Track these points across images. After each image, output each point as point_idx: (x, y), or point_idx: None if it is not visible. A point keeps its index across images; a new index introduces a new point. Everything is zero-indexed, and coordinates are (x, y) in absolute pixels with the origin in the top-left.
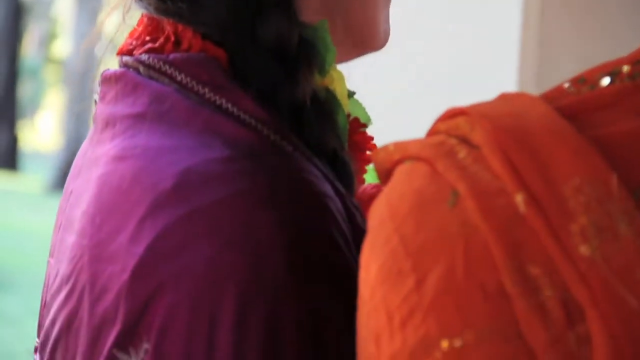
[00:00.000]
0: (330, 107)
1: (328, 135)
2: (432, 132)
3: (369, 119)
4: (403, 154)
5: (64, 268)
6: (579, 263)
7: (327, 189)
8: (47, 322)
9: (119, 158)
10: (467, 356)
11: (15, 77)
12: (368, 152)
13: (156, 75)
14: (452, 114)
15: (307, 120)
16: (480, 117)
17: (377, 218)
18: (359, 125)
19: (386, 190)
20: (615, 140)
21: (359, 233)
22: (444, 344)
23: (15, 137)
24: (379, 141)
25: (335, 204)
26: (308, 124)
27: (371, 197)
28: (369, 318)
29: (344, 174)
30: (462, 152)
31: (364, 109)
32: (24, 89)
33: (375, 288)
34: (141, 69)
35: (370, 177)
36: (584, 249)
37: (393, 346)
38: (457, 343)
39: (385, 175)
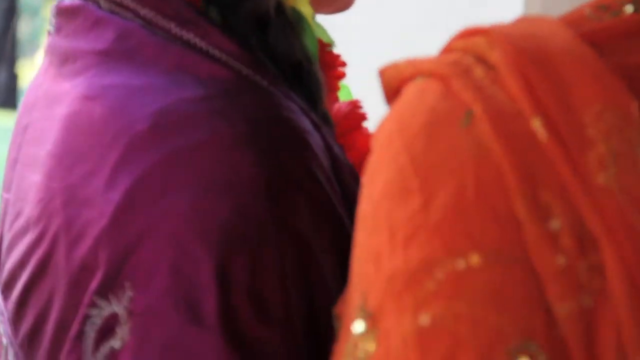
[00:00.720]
0: (296, 19)
1: (294, 46)
2: (447, 50)
3: (332, 41)
4: (415, 70)
5: (30, 209)
6: (595, 192)
7: (306, 123)
8: (13, 262)
9: (87, 98)
10: (471, 279)
11: (14, 16)
12: (339, 69)
13: (118, 10)
14: (470, 33)
15: (271, 31)
16: (501, 37)
17: (386, 134)
18: (324, 45)
19: (396, 106)
20: (638, 70)
21: (337, 164)
22: (448, 265)
23: (15, 75)
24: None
25: (315, 139)
26: (273, 35)
27: (346, 116)
28: (369, 236)
29: (313, 85)
30: (479, 72)
31: (325, 30)
32: (24, 28)
33: (379, 204)
34: (102, 2)
35: (343, 94)
36: (600, 178)
37: (393, 265)
38: (461, 265)
39: (392, 93)
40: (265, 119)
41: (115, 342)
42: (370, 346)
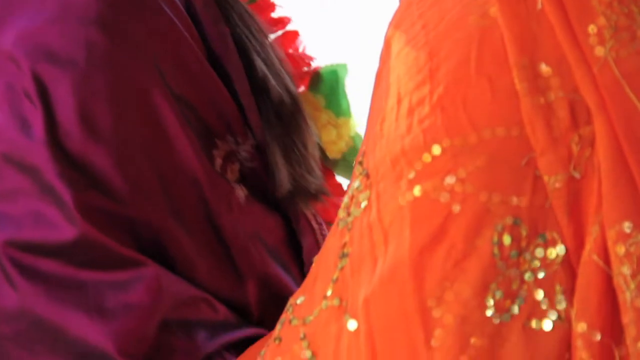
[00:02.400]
0: None
1: None
2: None
3: None
4: None
5: None
6: (592, 64)
7: None
8: None
9: None
10: (466, 156)
11: None
12: None
13: None
14: None
15: None
16: None
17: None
18: None
19: None
20: None
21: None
22: (446, 142)
23: None
24: None
25: None
26: None
27: None
28: (380, 97)
29: None
30: None
31: None
32: None
33: (394, 67)
34: None
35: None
36: (598, 50)
37: (396, 133)
38: (458, 142)
39: None
40: None
41: None
42: (363, 201)
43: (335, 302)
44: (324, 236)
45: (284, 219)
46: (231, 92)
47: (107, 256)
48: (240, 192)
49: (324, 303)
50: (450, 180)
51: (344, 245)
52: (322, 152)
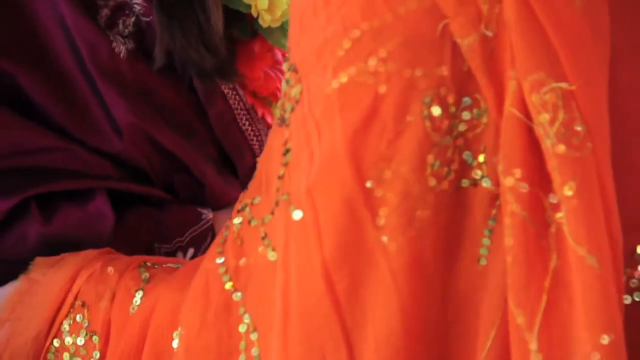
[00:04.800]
0: None
1: None
2: None
3: None
4: None
5: None
6: None
7: None
8: None
9: None
10: (384, 36)
11: None
12: None
13: None
14: None
15: None
16: None
17: None
18: None
19: None
20: None
21: None
22: (364, 25)
23: None
24: None
25: None
26: None
27: None
28: None
29: None
30: None
31: None
32: None
33: None
34: None
35: None
36: None
37: (314, 25)
38: (376, 24)
39: None
40: None
41: None
42: (296, 96)
43: (284, 197)
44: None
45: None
46: None
47: None
48: (122, 46)
49: (275, 201)
50: (372, 62)
51: (286, 142)
52: (255, 19)
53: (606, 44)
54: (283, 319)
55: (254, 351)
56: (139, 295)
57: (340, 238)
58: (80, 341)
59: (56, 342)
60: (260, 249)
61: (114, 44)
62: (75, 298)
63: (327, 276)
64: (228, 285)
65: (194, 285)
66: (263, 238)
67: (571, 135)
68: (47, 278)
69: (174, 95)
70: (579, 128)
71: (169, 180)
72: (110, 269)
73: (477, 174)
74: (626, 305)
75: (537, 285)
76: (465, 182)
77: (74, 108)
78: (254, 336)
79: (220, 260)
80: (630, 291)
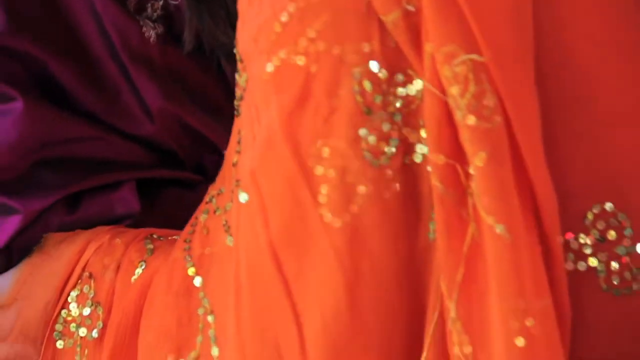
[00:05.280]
0: None
1: None
2: None
3: None
4: None
5: None
6: None
7: None
8: None
9: None
10: (311, 14)
11: None
12: None
13: None
14: None
15: None
16: None
17: None
18: None
19: None
20: None
21: None
22: (291, 6)
23: None
24: None
25: None
26: None
27: None
28: None
29: None
30: None
31: None
32: None
33: None
34: None
35: None
36: None
37: (250, 11)
38: (301, 4)
39: None
40: None
41: None
42: (243, 84)
43: (236, 183)
44: None
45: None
46: None
47: None
48: (151, 31)
49: (231, 189)
50: (302, 43)
51: (239, 130)
52: None
53: (527, 15)
54: (236, 300)
55: (211, 332)
56: (141, 267)
57: (284, 218)
58: (86, 312)
59: (64, 313)
60: (222, 235)
61: (144, 29)
62: (83, 269)
63: (275, 257)
64: (190, 272)
65: (160, 271)
66: (224, 225)
67: (482, 108)
68: (58, 252)
69: (203, 78)
70: (489, 100)
71: (199, 161)
72: (117, 241)
73: (422, 149)
74: (581, 272)
75: (455, 255)
76: (409, 159)
77: (104, 93)
78: (210, 318)
79: (186, 248)
80: (584, 257)
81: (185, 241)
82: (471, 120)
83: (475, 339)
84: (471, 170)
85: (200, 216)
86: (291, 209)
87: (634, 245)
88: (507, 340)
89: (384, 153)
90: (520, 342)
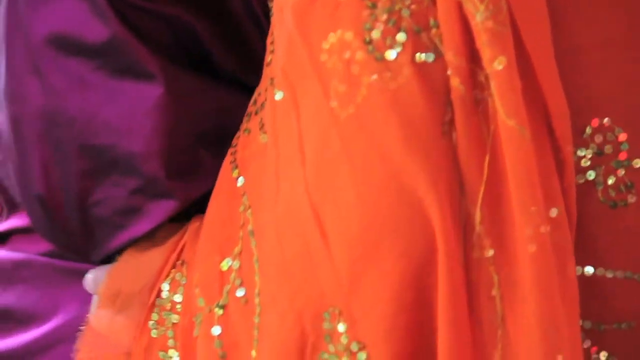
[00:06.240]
0: None
1: None
2: None
3: None
4: None
5: None
6: None
7: None
8: None
9: None
10: None
11: None
12: None
13: None
14: None
15: None
16: None
17: None
18: None
19: None
20: None
21: None
22: None
23: None
24: None
25: None
26: None
27: None
28: None
29: None
30: None
31: None
32: None
33: None
34: None
35: None
36: None
37: None
38: None
39: None
40: None
41: None
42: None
43: (270, 82)
44: None
45: None
46: None
47: (136, 63)
48: None
49: (265, 87)
50: None
51: (272, 32)
52: None
53: None
54: (274, 194)
55: (249, 227)
56: None
57: (309, 113)
58: (178, 298)
59: (161, 298)
60: (259, 135)
61: None
62: (178, 257)
63: (302, 152)
64: (235, 173)
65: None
66: (259, 123)
67: (497, 12)
68: (163, 239)
69: None
70: (503, 4)
71: None
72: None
73: (436, 49)
74: (580, 184)
75: (478, 160)
76: (420, 57)
77: (241, 52)
78: (249, 213)
79: (232, 152)
80: (583, 170)
81: (232, 146)
82: (490, 24)
83: (496, 242)
84: (480, 77)
85: (245, 119)
86: (308, 103)
87: (629, 159)
88: (525, 246)
89: (391, 47)
90: (532, 248)
